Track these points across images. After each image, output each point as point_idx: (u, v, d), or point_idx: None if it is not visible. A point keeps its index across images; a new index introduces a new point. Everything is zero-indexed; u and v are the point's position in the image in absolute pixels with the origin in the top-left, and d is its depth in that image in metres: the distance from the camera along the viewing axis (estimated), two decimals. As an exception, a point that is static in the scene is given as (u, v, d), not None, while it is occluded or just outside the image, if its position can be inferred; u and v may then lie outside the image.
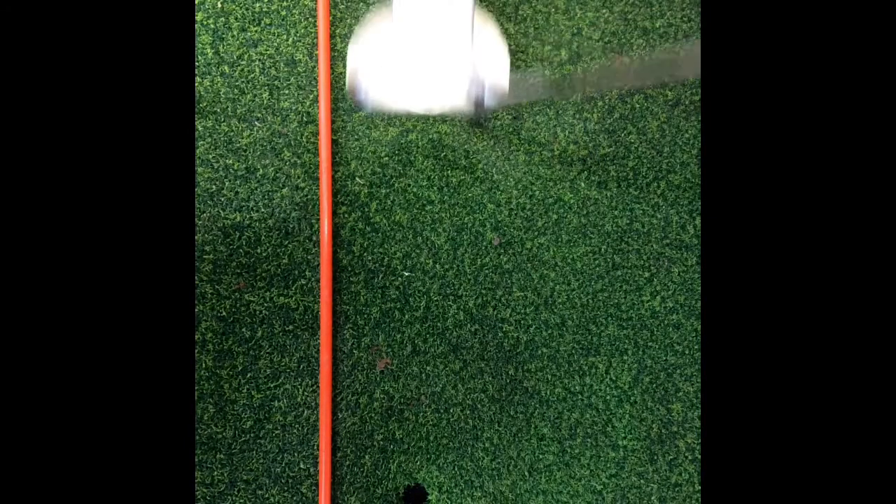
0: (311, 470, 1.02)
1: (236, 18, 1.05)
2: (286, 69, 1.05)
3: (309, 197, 1.04)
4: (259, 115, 1.05)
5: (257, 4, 1.06)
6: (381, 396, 1.04)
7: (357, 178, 1.05)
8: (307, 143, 1.05)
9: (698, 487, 1.04)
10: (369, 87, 0.87)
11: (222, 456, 1.02)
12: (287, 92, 1.05)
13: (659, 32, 1.08)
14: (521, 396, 1.05)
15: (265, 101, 1.05)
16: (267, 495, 1.02)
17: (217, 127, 1.04)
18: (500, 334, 1.05)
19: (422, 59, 0.86)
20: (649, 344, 1.06)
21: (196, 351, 1.02)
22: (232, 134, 1.04)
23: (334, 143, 1.05)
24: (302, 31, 1.06)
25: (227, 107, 1.04)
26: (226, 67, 1.05)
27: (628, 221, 1.07)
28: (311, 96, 1.05)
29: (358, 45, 0.91)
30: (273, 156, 1.05)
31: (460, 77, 0.86)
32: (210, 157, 1.04)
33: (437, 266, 1.05)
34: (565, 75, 0.99)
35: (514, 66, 1.03)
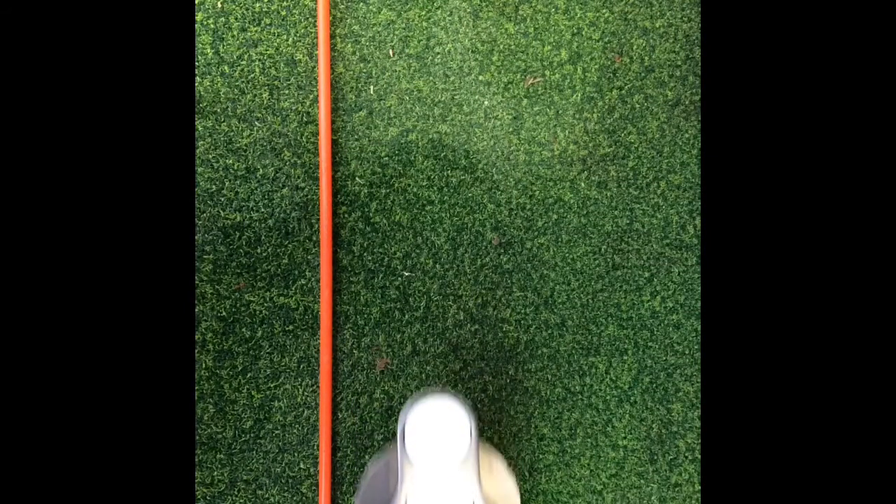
0: (311, 470, 1.02)
1: (236, 18, 1.05)
2: (286, 69, 1.05)
3: (309, 197, 1.04)
4: (259, 115, 1.05)
5: (257, 4, 1.06)
6: (381, 396, 1.04)
7: (357, 178, 1.05)
8: (307, 143, 1.05)
9: (698, 487, 1.04)
10: None
11: (222, 456, 1.02)
12: (287, 92, 1.05)
13: (659, 32, 1.08)
14: (521, 396, 1.05)
15: (265, 101, 1.05)
16: (267, 495, 1.02)
17: (217, 127, 1.04)
18: (500, 334, 1.05)
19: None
20: (649, 344, 1.06)
21: (196, 351, 1.02)
22: (232, 134, 1.04)
23: (334, 143, 1.05)
24: (302, 31, 1.06)
25: (227, 107, 1.05)
26: (226, 67, 1.05)
27: (628, 221, 1.07)
28: (311, 96, 1.05)
29: (362, 496, 0.90)
30: (273, 156, 1.05)
31: None
32: (210, 157, 1.04)
33: (437, 266, 1.05)
34: None
35: None
